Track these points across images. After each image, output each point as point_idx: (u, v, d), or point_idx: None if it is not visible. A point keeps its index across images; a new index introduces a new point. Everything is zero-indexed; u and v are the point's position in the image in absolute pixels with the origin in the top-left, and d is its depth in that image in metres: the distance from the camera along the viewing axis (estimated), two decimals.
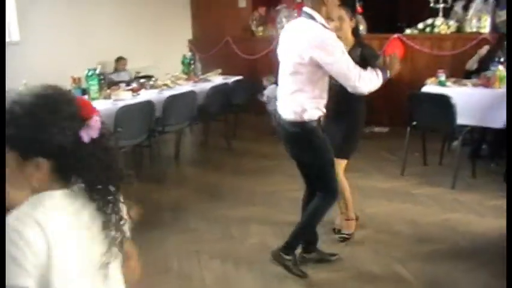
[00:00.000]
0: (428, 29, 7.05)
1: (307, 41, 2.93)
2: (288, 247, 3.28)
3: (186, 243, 3.90)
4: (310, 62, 2.92)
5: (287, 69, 3.06)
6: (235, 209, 4.56)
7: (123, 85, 5.86)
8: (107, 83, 5.67)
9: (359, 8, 7.44)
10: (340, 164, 3.68)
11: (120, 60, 7.26)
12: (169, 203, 4.75)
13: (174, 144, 6.21)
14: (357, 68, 2.96)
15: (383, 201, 4.64)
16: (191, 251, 3.77)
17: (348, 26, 3.68)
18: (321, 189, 3.24)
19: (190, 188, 5.12)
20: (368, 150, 6.04)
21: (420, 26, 7.13)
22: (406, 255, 3.60)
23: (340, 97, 3.25)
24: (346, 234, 3.87)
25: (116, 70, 7.22)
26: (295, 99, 3.04)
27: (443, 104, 4.82)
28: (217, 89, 6.23)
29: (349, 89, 3.00)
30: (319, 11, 2.99)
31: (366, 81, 2.97)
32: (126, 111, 4.88)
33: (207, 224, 4.25)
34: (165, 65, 7.31)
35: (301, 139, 3.12)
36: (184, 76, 6.67)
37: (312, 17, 2.99)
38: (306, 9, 3.03)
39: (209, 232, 4.11)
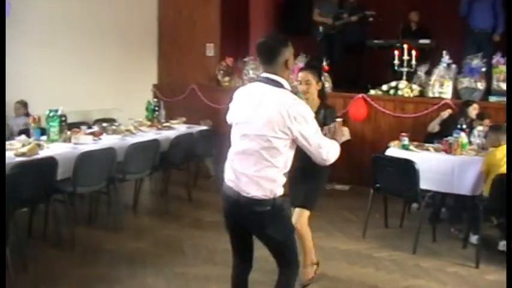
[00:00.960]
0: (392, 91, 7.21)
1: (286, 114, 2.63)
2: None
3: None
4: (287, 137, 2.67)
5: (253, 144, 2.70)
6: (195, 266, 4.41)
7: (84, 128, 5.70)
8: (68, 126, 5.51)
9: (325, 67, 7.69)
10: (305, 214, 3.81)
11: (19, 103, 6.32)
12: (126, 256, 4.56)
13: (134, 193, 6.04)
14: (327, 141, 2.84)
15: (344, 264, 4.58)
16: None
17: (314, 88, 3.79)
18: (285, 263, 2.98)
19: (148, 241, 4.95)
20: (329, 209, 6.04)
21: (384, 87, 7.28)
22: None
23: (307, 156, 2.87)
24: (308, 281, 3.98)
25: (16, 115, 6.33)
26: (266, 176, 2.70)
27: (408, 169, 4.87)
28: (181, 138, 6.14)
29: (318, 161, 2.83)
30: (283, 76, 2.78)
31: (333, 153, 2.85)
32: (86, 157, 4.73)
33: (165, 282, 4.08)
34: (128, 109, 7.21)
35: (270, 217, 2.78)
36: (148, 122, 6.58)
37: (278, 84, 2.74)
38: (268, 75, 2.77)
39: None
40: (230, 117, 2.93)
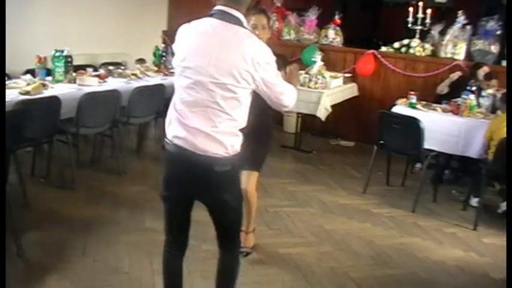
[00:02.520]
0: (403, 49, 7.08)
1: (250, 59, 2.20)
2: None
3: (140, 244, 3.76)
4: (249, 85, 2.26)
5: (209, 94, 2.23)
6: (195, 210, 4.40)
7: (90, 70, 5.66)
8: (74, 68, 5.47)
9: (337, 20, 7.55)
10: (254, 177, 3.58)
11: None
12: (127, 199, 4.60)
13: (137, 137, 6.04)
14: (287, 86, 2.47)
15: (343, 218, 4.60)
16: (144, 251, 3.63)
17: (268, 34, 3.36)
18: (232, 242, 2.63)
19: (150, 185, 4.97)
20: (333, 164, 6.05)
21: (396, 45, 7.15)
22: (362, 277, 3.56)
23: (254, 114, 2.48)
24: (249, 249, 3.73)
25: None
26: (226, 131, 2.29)
27: (412, 126, 4.82)
28: None
29: (278, 108, 2.55)
30: (242, 13, 2.31)
31: (293, 99, 2.50)
32: (90, 98, 4.71)
33: (163, 225, 4.10)
34: (137, 54, 7.12)
35: (230, 178, 2.41)
36: (155, 68, 6.52)
37: (239, 22, 2.28)
38: (227, 9, 2.27)
39: (164, 233, 3.96)
40: (176, 61, 2.36)
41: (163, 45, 7.30)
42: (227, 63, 2.20)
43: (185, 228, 2.68)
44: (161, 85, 5.64)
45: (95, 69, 5.94)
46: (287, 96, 2.44)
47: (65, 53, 5.22)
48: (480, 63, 6.18)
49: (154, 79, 5.95)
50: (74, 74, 5.27)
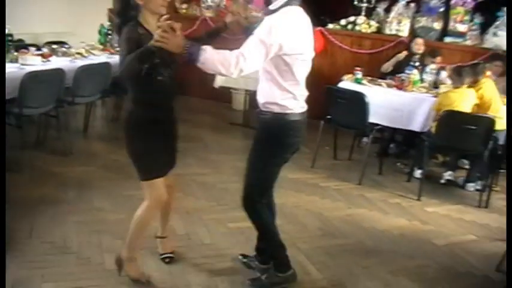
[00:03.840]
0: (350, 26, 7.19)
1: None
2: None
3: (88, 223, 3.72)
4: None
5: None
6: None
7: (32, 49, 5.49)
8: (15, 46, 5.30)
9: None
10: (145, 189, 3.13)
11: None
12: (74, 179, 4.53)
13: (84, 117, 5.93)
14: None
15: (291, 191, 4.68)
16: (93, 231, 3.60)
17: None
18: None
19: (97, 165, 4.91)
20: None
21: (343, 22, 7.25)
22: (311, 248, 3.65)
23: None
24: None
25: None
26: None
27: (358, 101, 4.93)
28: None
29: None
30: None
31: None
32: (33, 78, 4.57)
33: (112, 204, 4.09)
34: (81, 33, 6.94)
35: None
36: (100, 46, 6.40)
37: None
38: None
39: (113, 212, 3.95)
40: (292, 50, 2.58)
41: (108, 23, 7.15)
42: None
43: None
44: (107, 63, 5.54)
45: (38, 49, 5.77)
46: None
47: (6, 32, 5.05)
48: (415, 36, 6.34)
49: (99, 58, 5.84)
50: (15, 53, 5.10)
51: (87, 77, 5.21)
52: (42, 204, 3.99)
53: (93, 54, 5.91)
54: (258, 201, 2.95)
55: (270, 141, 2.81)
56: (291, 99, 2.71)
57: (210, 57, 2.44)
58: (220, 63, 2.45)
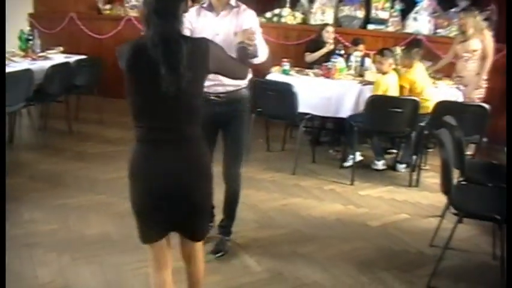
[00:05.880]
0: (275, 19, 7.26)
1: None
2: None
3: (18, 237, 3.58)
4: None
5: None
6: (75, 197, 4.31)
7: None
8: None
9: None
10: None
11: None
12: None
13: (8, 127, 5.70)
14: None
15: None
16: (23, 245, 3.48)
17: None
18: None
19: (25, 176, 4.75)
20: None
21: (268, 15, 7.31)
22: (249, 241, 3.68)
23: None
24: None
25: None
26: None
27: (286, 92, 4.99)
28: (58, 68, 5.79)
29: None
30: None
31: None
32: None
33: (43, 215, 3.96)
34: None
35: None
36: (21, 53, 6.17)
37: None
38: None
39: (45, 223, 3.82)
40: None
41: (29, 28, 6.91)
42: None
43: None
44: (29, 70, 5.34)
45: None
46: None
47: None
48: (324, 24, 6.46)
49: (21, 64, 5.63)
50: None
51: (9, 85, 4.99)
52: None
53: (14, 62, 5.69)
54: None
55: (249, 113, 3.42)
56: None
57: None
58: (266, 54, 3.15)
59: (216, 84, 3.06)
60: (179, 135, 2.12)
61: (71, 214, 3.98)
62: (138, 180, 2.15)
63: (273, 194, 4.59)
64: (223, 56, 2.29)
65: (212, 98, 3.13)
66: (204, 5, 3.16)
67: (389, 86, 4.93)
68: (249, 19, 3.10)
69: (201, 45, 2.14)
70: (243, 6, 3.19)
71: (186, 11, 2.16)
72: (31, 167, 5.01)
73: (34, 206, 4.11)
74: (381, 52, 5.12)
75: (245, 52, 2.60)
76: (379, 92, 4.92)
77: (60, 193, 4.38)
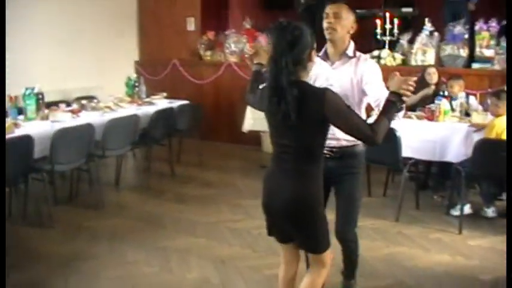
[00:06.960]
0: (374, 60, 7.12)
1: None
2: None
3: (122, 278, 3.67)
4: None
5: None
6: (176, 239, 4.37)
7: (62, 106, 5.60)
8: (46, 104, 5.41)
9: None
10: None
11: None
12: (106, 233, 4.51)
13: (115, 170, 5.97)
14: None
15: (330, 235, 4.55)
16: (127, 286, 3.55)
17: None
18: None
19: (129, 217, 4.90)
20: None
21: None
22: None
23: None
24: None
25: None
26: None
27: (389, 136, 4.80)
28: (162, 113, 6.04)
29: None
30: None
31: None
32: (63, 134, 4.64)
33: (145, 256, 4.04)
34: (109, 87, 7.08)
35: None
36: (128, 99, 6.49)
37: None
38: None
39: (147, 265, 3.89)
40: None
41: (135, 75, 7.29)
42: None
43: None
44: (135, 115, 5.60)
45: (68, 105, 5.89)
46: None
47: (35, 90, 5.19)
48: (425, 66, 6.21)
49: (128, 110, 5.91)
50: (46, 110, 5.22)
51: (116, 129, 5.27)
52: (75, 260, 3.96)
53: (121, 107, 5.99)
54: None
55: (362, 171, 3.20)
56: None
57: None
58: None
59: (330, 138, 2.74)
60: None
61: (172, 256, 4.03)
62: None
63: (376, 243, 4.39)
64: (343, 108, 2.27)
65: (325, 152, 2.86)
66: (320, 54, 2.97)
67: (504, 129, 4.62)
68: (369, 70, 2.88)
69: (318, 92, 2.14)
70: (363, 56, 2.96)
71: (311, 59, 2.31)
72: (135, 208, 5.18)
73: (136, 247, 4.21)
74: (496, 94, 4.84)
75: (395, 107, 2.35)
76: (493, 135, 4.64)
77: (162, 235, 4.46)
